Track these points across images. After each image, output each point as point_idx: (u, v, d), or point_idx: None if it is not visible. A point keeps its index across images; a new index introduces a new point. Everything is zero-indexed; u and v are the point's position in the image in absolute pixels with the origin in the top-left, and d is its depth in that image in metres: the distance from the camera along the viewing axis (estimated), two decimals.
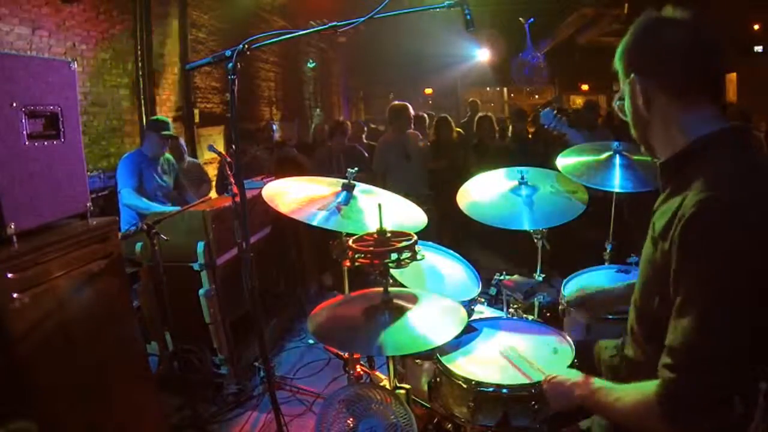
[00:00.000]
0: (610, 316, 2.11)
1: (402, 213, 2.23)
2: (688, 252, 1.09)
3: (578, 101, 14.82)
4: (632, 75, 1.26)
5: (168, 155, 4.10)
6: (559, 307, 2.34)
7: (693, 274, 1.09)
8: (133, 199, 3.65)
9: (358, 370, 2.28)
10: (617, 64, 1.32)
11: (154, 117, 4.17)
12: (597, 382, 1.32)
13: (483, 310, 2.30)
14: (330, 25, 1.68)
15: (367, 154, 5.33)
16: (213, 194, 5.17)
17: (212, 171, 5.91)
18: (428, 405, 1.97)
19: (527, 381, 1.68)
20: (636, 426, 1.17)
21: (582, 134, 2.91)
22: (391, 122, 5.17)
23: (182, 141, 5.46)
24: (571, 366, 1.72)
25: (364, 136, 6.39)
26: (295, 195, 2.17)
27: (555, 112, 3.01)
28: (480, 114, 6.13)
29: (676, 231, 1.11)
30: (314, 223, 2.02)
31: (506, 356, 1.83)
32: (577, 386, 1.37)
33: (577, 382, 1.38)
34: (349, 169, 2.22)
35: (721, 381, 1.05)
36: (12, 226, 1.69)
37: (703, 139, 1.21)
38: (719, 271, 1.05)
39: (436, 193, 5.00)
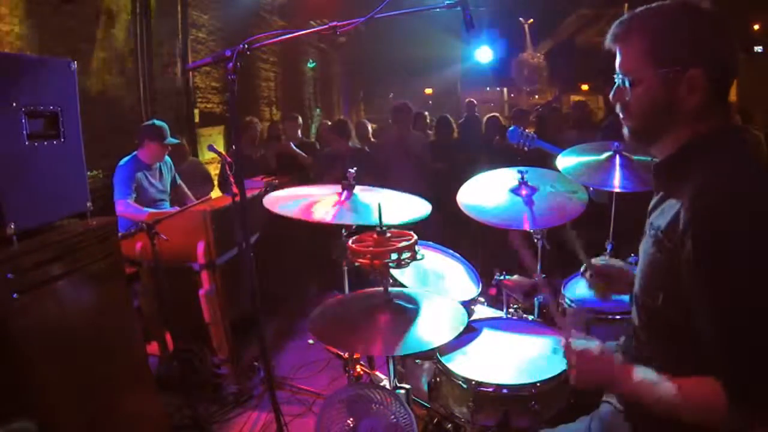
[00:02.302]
0: (609, 316, 2.11)
1: (404, 204, 2.24)
2: (704, 256, 1.09)
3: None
4: (687, 66, 1.17)
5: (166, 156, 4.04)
6: (559, 308, 2.34)
7: (716, 277, 1.08)
8: (131, 210, 3.60)
9: (358, 370, 2.28)
10: (639, 44, 1.22)
11: (152, 122, 3.94)
12: (641, 370, 1.20)
13: (483, 310, 2.31)
14: (330, 25, 1.68)
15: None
16: (217, 193, 5.16)
17: (214, 170, 5.90)
18: (428, 405, 1.97)
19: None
20: (694, 418, 1.11)
21: (557, 143, 2.88)
22: (394, 121, 5.18)
23: (183, 141, 5.43)
24: None
25: (370, 135, 6.33)
26: (297, 199, 2.16)
27: (521, 128, 2.98)
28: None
29: (687, 233, 1.11)
30: (319, 219, 2.01)
31: (507, 363, 1.83)
32: (617, 369, 1.22)
33: (619, 366, 1.23)
34: (349, 169, 2.22)
35: None
36: (12, 226, 1.69)
37: (702, 137, 1.21)
38: (741, 270, 1.06)
39: (436, 193, 5.00)
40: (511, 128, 3.03)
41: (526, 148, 2.92)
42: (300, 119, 5.87)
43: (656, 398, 1.15)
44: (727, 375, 1.07)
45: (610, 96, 1.32)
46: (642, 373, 1.19)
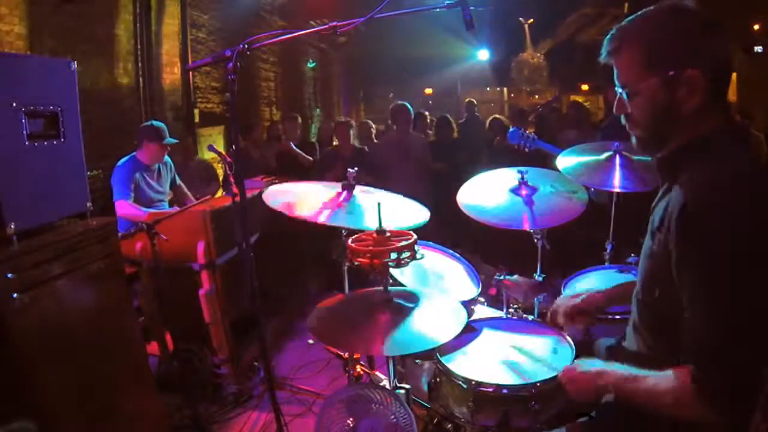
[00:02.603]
0: (609, 316, 2.11)
1: (402, 210, 2.24)
2: (686, 245, 1.11)
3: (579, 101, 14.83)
4: (684, 67, 1.17)
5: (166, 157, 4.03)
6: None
7: (696, 267, 1.10)
8: (131, 210, 3.59)
9: (358, 370, 2.28)
10: (632, 56, 1.23)
11: (150, 123, 3.91)
12: (620, 368, 1.27)
13: (483, 310, 2.31)
14: (330, 25, 1.68)
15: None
16: (221, 192, 5.15)
17: (220, 169, 5.89)
18: (428, 405, 1.97)
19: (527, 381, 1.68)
20: (669, 412, 1.15)
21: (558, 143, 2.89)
22: (393, 122, 5.20)
23: (189, 142, 5.45)
24: None
25: (373, 135, 6.33)
26: (297, 198, 2.16)
27: (522, 129, 2.99)
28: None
29: (672, 222, 1.13)
30: (319, 221, 2.01)
31: (507, 363, 1.83)
32: (599, 375, 1.31)
33: (600, 371, 1.32)
34: (349, 169, 2.22)
35: (746, 366, 1.05)
36: (12, 226, 1.69)
37: (703, 137, 1.22)
38: (721, 262, 1.07)
39: (436, 193, 5.00)
40: (511, 129, 3.03)
41: (526, 149, 2.92)
42: (300, 119, 5.87)
43: (635, 395, 1.20)
44: (700, 361, 1.08)
45: (614, 109, 1.33)
46: (622, 379, 1.24)
